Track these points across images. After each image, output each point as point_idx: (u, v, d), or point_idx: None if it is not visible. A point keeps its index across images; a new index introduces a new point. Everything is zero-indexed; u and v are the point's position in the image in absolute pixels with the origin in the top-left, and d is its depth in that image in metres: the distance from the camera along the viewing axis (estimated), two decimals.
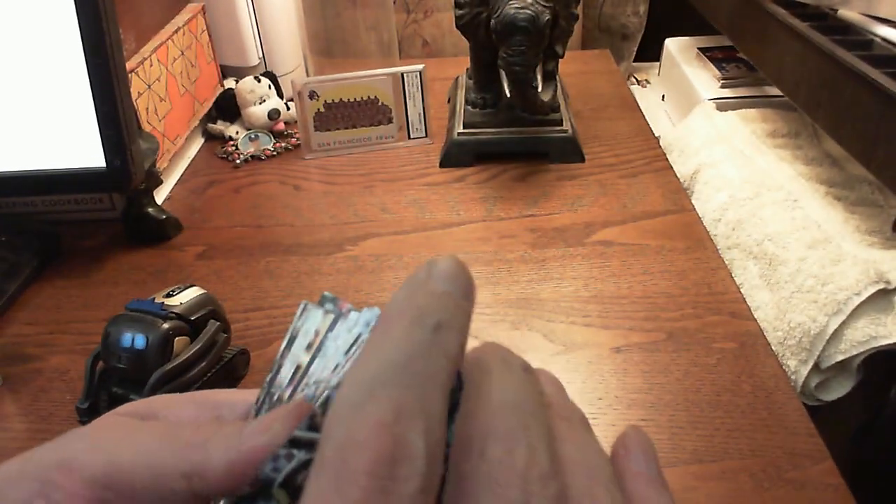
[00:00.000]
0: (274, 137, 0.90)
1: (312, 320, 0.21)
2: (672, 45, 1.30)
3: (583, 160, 0.82)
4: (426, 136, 0.87)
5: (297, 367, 0.20)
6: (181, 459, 0.19)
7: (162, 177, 0.75)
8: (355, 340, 0.20)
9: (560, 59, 0.81)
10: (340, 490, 0.15)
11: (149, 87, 0.74)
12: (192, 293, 0.50)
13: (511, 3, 0.69)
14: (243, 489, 0.19)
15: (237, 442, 0.19)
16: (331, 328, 0.20)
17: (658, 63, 1.39)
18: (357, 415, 0.15)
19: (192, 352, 0.48)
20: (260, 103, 0.89)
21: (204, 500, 0.19)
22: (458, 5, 0.76)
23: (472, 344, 0.19)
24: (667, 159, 0.83)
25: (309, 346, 0.21)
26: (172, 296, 0.50)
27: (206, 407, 0.22)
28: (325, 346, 0.20)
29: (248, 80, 0.89)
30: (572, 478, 0.17)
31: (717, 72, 1.12)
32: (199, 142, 0.91)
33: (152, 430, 0.20)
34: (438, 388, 0.16)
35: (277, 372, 0.21)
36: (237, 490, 0.19)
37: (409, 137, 0.87)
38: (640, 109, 0.95)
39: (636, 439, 0.20)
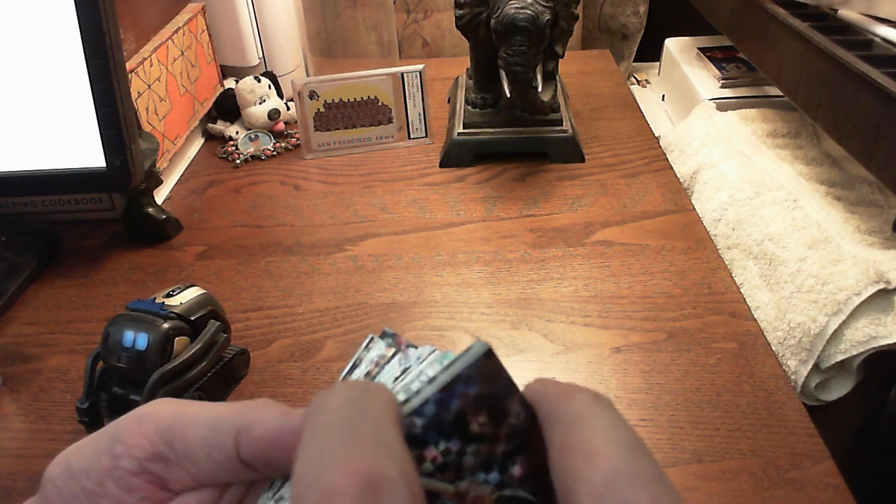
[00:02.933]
0: (274, 137, 0.90)
1: (376, 350, 0.23)
2: (672, 45, 1.30)
3: (583, 160, 0.82)
4: (426, 136, 0.87)
5: None
6: (238, 415, 0.21)
7: (162, 177, 0.75)
8: (403, 372, 0.22)
9: (560, 59, 0.81)
10: None
11: (149, 87, 0.74)
12: (192, 293, 0.50)
13: (511, 3, 0.69)
14: (273, 469, 0.20)
15: (291, 415, 0.21)
16: (388, 360, 0.22)
17: (658, 63, 1.39)
18: (322, 471, 0.16)
19: (192, 352, 0.48)
20: (260, 103, 0.89)
21: (246, 471, 0.21)
22: (458, 5, 0.76)
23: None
24: (667, 159, 0.83)
25: (367, 374, 0.23)
26: (172, 296, 0.50)
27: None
28: (380, 374, 0.22)
29: (248, 80, 0.89)
30: None
31: (717, 72, 1.12)
32: (199, 142, 0.91)
33: (222, 403, 0.22)
34: (388, 424, 0.17)
35: None
36: (273, 457, 0.20)
37: (409, 137, 0.87)
38: (640, 109, 0.95)
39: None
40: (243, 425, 0.21)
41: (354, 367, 0.23)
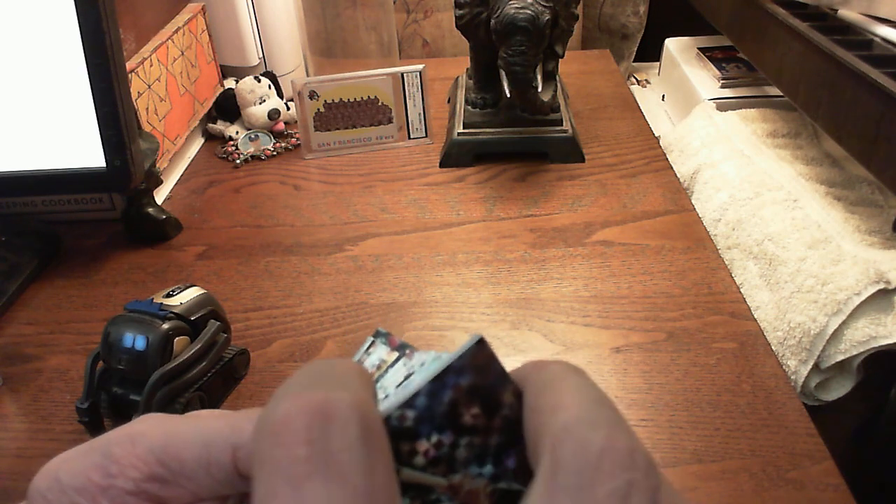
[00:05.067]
0: (274, 137, 0.90)
1: (377, 354, 0.23)
2: (672, 45, 1.30)
3: (583, 160, 0.82)
4: (426, 136, 0.87)
5: None
6: (233, 431, 0.20)
7: (162, 177, 0.75)
8: (406, 377, 0.21)
9: (560, 59, 0.81)
10: (286, 477, 0.15)
11: (149, 87, 0.74)
12: (192, 293, 0.50)
13: (511, 3, 0.69)
14: None
15: None
16: (392, 364, 0.22)
17: (658, 63, 1.39)
18: (276, 405, 0.16)
19: (192, 352, 0.48)
20: (260, 103, 0.89)
21: (244, 483, 0.20)
22: (458, 5, 0.76)
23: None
24: (667, 159, 0.83)
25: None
26: (172, 296, 0.50)
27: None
28: (383, 378, 0.21)
29: (248, 80, 0.89)
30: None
31: (717, 72, 1.12)
32: (199, 142, 0.91)
33: (213, 413, 0.22)
34: (353, 375, 0.18)
35: None
36: None
37: (409, 137, 0.87)
38: (640, 109, 0.95)
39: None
40: (239, 441, 0.20)
41: None
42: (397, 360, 0.22)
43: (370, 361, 0.23)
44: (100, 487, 0.20)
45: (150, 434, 0.21)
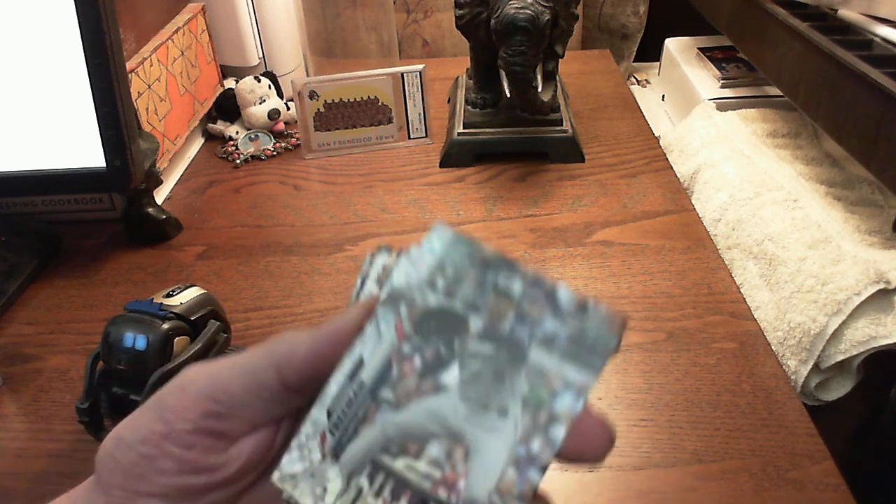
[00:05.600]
0: (274, 137, 0.90)
1: (380, 260, 0.25)
2: (672, 45, 1.30)
3: (583, 160, 0.82)
4: (426, 136, 0.87)
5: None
6: (270, 354, 0.23)
7: (162, 177, 0.75)
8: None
9: (560, 59, 0.81)
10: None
11: (149, 87, 0.74)
12: (192, 293, 0.50)
13: (511, 3, 0.69)
14: (319, 383, 0.22)
15: (320, 331, 0.23)
16: (396, 263, 0.23)
17: (658, 63, 1.39)
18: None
19: (192, 352, 0.48)
20: (260, 103, 0.89)
21: (295, 398, 0.23)
22: (458, 5, 0.76)
23: None
24: (667, 159, 0.83)
25: (378, 280, 0.25)
26: (172, 296, 0.49)
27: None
28: (391, 275, 0.23)
29: (248, 80, 0.89)
30: None
31: (717, 72, 1.12)
32: (199, 142, 0.91)
33: (251, 349, 0.24)
34: None
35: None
36: (319, 374, 0.22)
37: (409, 137, 0.87)
38: (640, 109, 0.95)
39: None
40: (280, 360, 0.22)
41: (363, 285, 0.25)
42: (398, 258, 0.23)
43: (375, 270, 0.25)
44: (161, 434, 0.22)
45: (198, 379, 0.23)
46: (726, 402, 0.50)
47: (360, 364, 0.22)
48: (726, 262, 0.65)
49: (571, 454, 0.20)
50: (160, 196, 0.79)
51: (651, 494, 0.44)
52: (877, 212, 0.77)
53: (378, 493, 0.21)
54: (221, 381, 0.22)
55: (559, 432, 0.20)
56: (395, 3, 1.29)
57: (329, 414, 0.22)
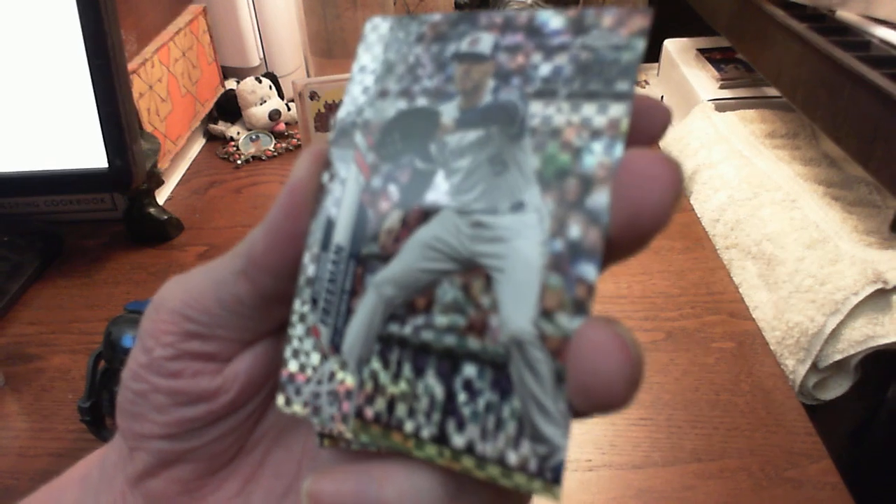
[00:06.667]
0: (275, 138, 0.90)
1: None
2: (671, 45, 1.30)
3: None
4: None
5: (366, 89, 0.19)
6: (231, 259, 0.20)
7: (163, 177, 0.75)
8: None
9: None
10: None
11: (150, 87, 0.75)
12: None
13: (511, 3, 0.69)
14: (294, 268, 0.19)
15: (270, 219, 0.20)
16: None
17: (657, 63, 1.39)
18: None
19: None
20: (261, 104, 0.90)
21: (274, 305, 0.19)
22: (457, 6, 0.77)
23: None
24: None
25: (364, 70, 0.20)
26: None
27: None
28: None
29: (249, 81, 0.89)
30: None
31: (715, 72, 1.12)
32: (200, 142, 0.92)
33: (218, 258, 0.21)
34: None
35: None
36: (291, 261, 0.19)
37: None
38: None
39: None
40: (245, 264, 0.19)
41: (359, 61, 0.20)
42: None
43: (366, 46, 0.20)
44: (144, 366, 0.20)
45: (169, 296, 0.20)
46: (725, 401, 0.51)
47: (329, 226, 0.18)
48: (725, 262, 0.65)
49: (629, 215, 0.15)
50: (161, 196, 0.79)
51: (650, 493, 0.45)
52: (875, 212, 0.77)
53: (397, 376, 0.16)
54: (193, 297, 0.20)
55: (601, 198, 0.15)
56: (395, 3, 1.29)
57: (314, 301, 0.18)
